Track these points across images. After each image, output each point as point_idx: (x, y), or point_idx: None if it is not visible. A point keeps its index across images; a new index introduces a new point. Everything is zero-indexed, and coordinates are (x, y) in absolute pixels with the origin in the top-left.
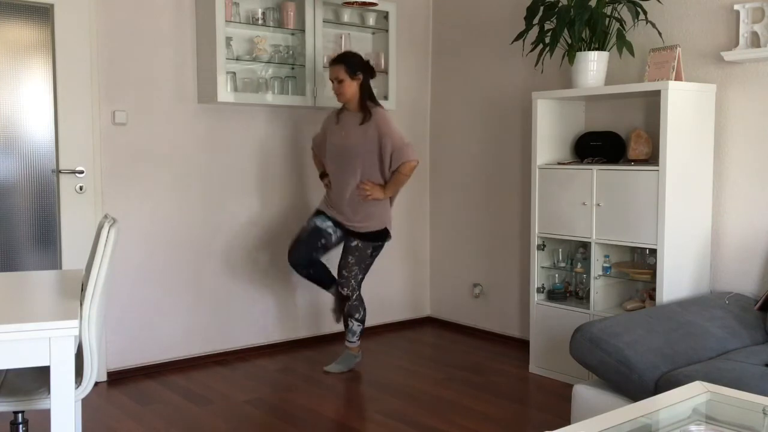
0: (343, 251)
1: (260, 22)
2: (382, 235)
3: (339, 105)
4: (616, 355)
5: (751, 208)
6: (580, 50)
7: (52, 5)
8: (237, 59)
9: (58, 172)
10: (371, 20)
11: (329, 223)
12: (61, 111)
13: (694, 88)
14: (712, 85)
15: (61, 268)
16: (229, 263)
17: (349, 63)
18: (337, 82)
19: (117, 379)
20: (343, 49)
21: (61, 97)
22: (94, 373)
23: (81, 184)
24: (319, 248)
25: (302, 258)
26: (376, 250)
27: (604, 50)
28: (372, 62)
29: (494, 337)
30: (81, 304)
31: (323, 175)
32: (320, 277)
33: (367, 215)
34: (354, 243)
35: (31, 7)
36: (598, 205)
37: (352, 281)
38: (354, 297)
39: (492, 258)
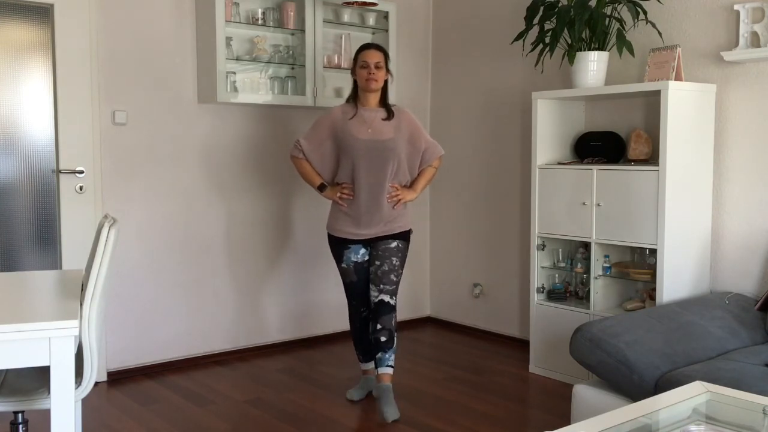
0: (380, 259)
1: (260, 22)
2: (409, 235)
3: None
4: (616, 355)
5: (751, 208)
6: (580, 50)
7: (52, 5)
8: (237, 59)
9: (58, 172)
10: (371, 20)
11: (362, 251)
12: (61, 111)
13: (694, 88)
14: (712, 85)
15: (61, 268)
16: (228, 263)
17: (387, 55)
18: (376, 67)
19: (117, 379)
20: (343, 50)
21: (61, 97)
22: (94, 373)
23: (81, 184)
24: (366, 281)
25: (364, 298)
26: (407, 251)
27: (604, 50)
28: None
29: (494, 337)
30: (81, 304)
31: (323, 187)
32: (366, 329)
33: (400, 214)
34: (394, 244)
35: (31, 7)
36: (598, 205)
37: (397, 287)
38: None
39: (492, 258)
